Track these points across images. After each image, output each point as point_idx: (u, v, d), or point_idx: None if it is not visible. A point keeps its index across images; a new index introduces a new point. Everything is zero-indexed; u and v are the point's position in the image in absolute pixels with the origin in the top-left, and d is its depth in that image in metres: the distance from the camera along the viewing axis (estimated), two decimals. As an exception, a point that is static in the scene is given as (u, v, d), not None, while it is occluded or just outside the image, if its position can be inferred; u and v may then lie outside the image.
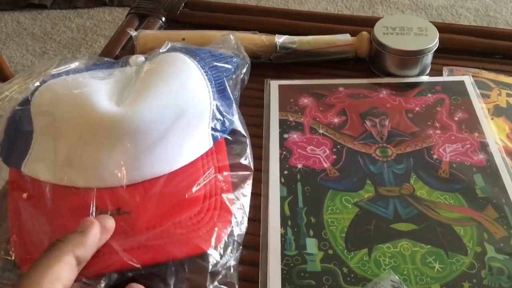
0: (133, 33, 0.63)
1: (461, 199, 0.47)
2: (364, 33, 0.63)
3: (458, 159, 0.50)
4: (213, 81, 0.50)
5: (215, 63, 0.52)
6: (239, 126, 0.52)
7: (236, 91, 0.56)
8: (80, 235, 0.37)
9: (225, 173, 0.48)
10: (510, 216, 0.45)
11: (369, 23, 0.65)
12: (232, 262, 0.42)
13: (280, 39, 0.63)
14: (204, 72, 0.50)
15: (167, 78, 0.47)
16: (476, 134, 0.53)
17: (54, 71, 0.51)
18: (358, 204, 0.47)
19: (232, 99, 0.53)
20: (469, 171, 0.49)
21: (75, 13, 2.02)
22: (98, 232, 0.38)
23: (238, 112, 0.54)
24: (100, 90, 0.47)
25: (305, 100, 0.58)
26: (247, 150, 0.51)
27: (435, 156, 0.51)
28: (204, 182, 0.45)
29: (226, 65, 0.54)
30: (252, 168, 0.50)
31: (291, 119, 0.56)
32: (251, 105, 0.58)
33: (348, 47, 0.63)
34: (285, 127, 0.55)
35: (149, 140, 0.44)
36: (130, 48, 0.66)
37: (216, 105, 0.50)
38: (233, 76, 0.55)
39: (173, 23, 0.71)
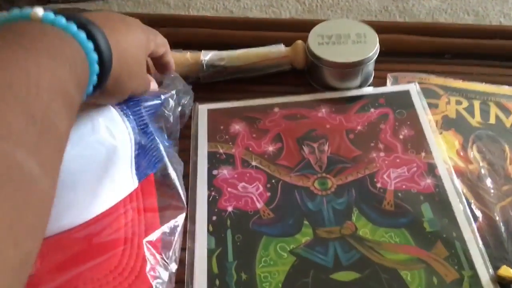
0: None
1: (407, 236, 0.42)
2: (299, 42, 0.57)
3: (403, 187, 0.45)
4: (130, 116, 0.44)
5: (137, 98, 0.46)
6: (170, 161, 0.46)
7: (173, 124, 0.49)
8: None
9: (151, 214, 0.42)
10: (461, 254, 0.40)
11: (305, 27, 0.59)
12: None
13: (206, 56, 0.56)
14: (120, 108, 0.43)
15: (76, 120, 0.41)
16: (423, 154, 0.48)
17: None
18: (294, 252, 0.42)
19: (154, 135, 0.46)
20: (416, 200, 0.44)
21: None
22: None
23: (171, 147, 0.48)
24: None
25: (237, 127, 0.52)
26: (179, 188, 0.45)
27: (378, 185, 0.46)
28: (125, 229, 0.40)
29: (151, 98, 0.47)
30: (185, 205, 0.44)
31: (221, 151, 0.50)
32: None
33: (282, 59, 0.57)
34: (214, 161, 0.49)
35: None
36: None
37: (139, 143, 0.44)
38: (165, 110, 0.49)
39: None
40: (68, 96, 0.31)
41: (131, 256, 0.39)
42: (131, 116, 0.43)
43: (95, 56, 0.35)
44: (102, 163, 0.41)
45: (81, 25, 0.34)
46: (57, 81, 0.30)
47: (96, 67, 0.35)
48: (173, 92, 0.49)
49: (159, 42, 0.46)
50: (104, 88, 0.38)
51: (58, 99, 0.30)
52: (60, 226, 0.39)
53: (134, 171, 0.43)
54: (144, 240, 0.40)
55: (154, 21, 0.65)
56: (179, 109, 0.50)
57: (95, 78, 0.36)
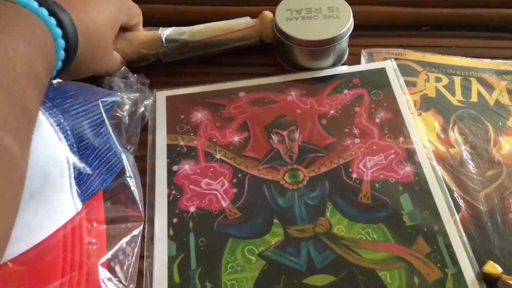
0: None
1: (386, 232, 0.38)
2: (266, 12, 0.51)
3: (381, 177, 0.41)
4: (68, 132, 0.37)
5: (79, 104, 0.39)
6: (128, 169, 0.42)
7: (132, 130, 0.45)
8: None
9: (100, 231, 0.38)
10: (444, 249, 0.37)
11: (273, 0, 0.54)
12: None
13: (165, 31, 0.51)
14: (57, 122, 0.36)
15: None
16: (401, 139, 0.44)
17: None
18: (264, 255, 0.38)
19: (110, 137, 0.41)
20: (395, 191, 0.41)
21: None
22: None
23: (123, 152, 0.42)
24: None
25: (199, 115, 0.47)
26: (136, 197, 0.40)
27: (354, 175, 0.42)
28: (64, 254, 0.35)
29: (109, 95, 0.42)
30: (142, 215, 0.40)
31: (181, 143, 0.45)
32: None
33: (249, 30, 0.52)
34: (174, 155, 0.44)
35: None
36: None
37: (78, 161, 0.38)
38: (119, 110, 0.44)
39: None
40: (39, 81, 0.32)
41: (79, 284, 0.34)
42: (69, 132, 0.37)
43: (62, 43, 0.35)
44: (32, 195, 0.34)
45: (51, 11, 0.35)
46: (32, 65, 0.31)
47: (63, 54, 0.36)
48: (136, 94, 0.44)
49: (133, 13, 0.47)
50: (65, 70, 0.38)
51: (32, 84, 0.30)
52: None
53: (75, 194, 0.37)
54: (99, 263, 0.35)
55: None
56: (141, 110, 0.45)
57: (60, 63, 0.36)
